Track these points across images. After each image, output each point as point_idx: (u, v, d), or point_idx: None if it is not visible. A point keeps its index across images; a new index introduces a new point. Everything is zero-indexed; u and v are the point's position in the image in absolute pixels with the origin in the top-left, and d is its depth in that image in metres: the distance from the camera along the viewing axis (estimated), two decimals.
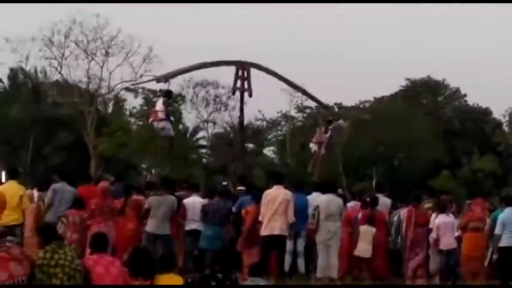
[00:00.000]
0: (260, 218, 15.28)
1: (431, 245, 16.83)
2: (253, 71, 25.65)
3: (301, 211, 15.92)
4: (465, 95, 71.67)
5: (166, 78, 24.67)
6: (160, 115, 22.32)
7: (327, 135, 25.44)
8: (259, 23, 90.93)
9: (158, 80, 24.87)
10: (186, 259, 16.65)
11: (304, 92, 29.45)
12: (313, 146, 25.94)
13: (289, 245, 15.92)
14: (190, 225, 16.85)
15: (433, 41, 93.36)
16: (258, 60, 26.10)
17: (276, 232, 15.03)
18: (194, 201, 17.03)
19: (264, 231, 15.14)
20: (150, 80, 28.24)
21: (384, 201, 18.01)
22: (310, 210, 16.15)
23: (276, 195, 15.17)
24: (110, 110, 64.95)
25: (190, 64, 27.05)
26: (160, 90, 23.49)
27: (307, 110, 69.90)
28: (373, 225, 16.51)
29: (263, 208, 15.19)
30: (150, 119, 23.21)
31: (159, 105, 22.63)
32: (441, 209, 16.91)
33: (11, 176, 16.94)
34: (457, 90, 72.17)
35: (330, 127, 26.26)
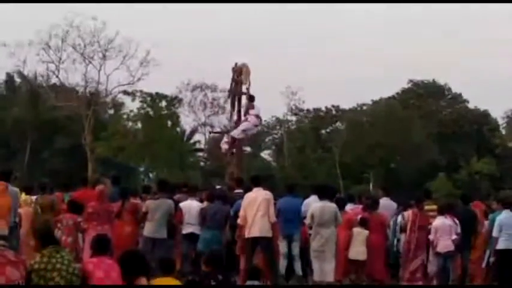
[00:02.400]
0: (240, 221, 15.33)
1: (430, 248, 16.82)
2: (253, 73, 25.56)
3: (293, 214, 15.99)
4: (466, 101, 71.74)
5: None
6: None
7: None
8: (259, 23, 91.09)
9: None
10: (183, 262, 16.63)
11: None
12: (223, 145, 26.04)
13: (283, 248, 15.94)
14: (187, 229, 16.82)
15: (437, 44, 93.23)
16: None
17: (258, 234, 15.07)
18: (191, 205, 17.02)
19: (247, 234, 15.17)
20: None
21: (390, 204, 17.99)
22: (306, 214, 16.18)
23: (255, 196, 15.24)
24: (107, 113, 64.97)
25: None
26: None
27: (302, 113, 70.04)
28: (366, 227, 16.47)
29: (243, 211, 15.26)
30: (257, 124, 23.61)
31: (258, 109, 23.21)
32: (440, 211, 16.88)
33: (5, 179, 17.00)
34: (459, 95, 72.24)
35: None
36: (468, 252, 17.07)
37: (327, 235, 15.64)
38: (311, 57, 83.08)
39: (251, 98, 23.54)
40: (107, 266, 9.29)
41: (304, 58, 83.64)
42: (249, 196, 15.42)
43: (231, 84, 25.48)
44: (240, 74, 25.08)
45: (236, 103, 25.79)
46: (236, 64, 25.21)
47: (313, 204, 16.22)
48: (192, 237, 16.65)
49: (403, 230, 17.08)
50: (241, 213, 15.35)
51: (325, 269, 15.56)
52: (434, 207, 17.81)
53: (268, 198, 15.25)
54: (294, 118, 71.44)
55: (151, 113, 61.49)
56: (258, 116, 23.50)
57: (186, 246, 16.80)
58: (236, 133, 23.56)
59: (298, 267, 16.28)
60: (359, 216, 16.83)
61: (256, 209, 15.09)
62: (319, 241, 15.63)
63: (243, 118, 23.82)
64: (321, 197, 16.28)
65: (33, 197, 18.29)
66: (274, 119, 70.64)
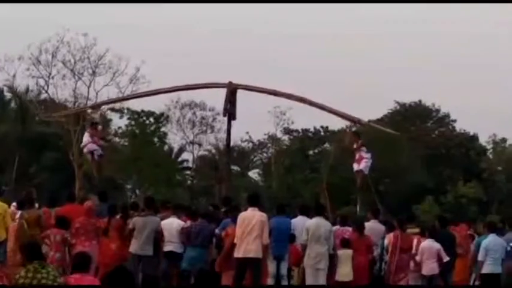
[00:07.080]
0: (235, 240, 15.29)
1: (411, 270, 16.81)
2: (241, 92, 25.50)
3: (282, 234, 15.97)
4: (454, 121, 71.68)
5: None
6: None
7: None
8: (250, 42, 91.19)
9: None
10: (162, 280, 16.50)
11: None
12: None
13: (272, 268, 15.93)
14: (167, 247, 16.69)
15: (424, 65, 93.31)
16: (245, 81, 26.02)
17: (251, 255, 15.01)
18: (172, 223, 16.91)
19: (238, 253, 15.12)
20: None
21: (378, 227, 17.88)
22: (298, 233, 16.18)
23: (251, 217, 15.15)
24: None
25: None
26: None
27: (294, 134, 70.01)
28: (349, 247, 16.43)
29: (238, 230, 15.19)
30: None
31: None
32: (431, 234, 16.88)
33: None
34: (447, 115, 72.20)
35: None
36: (450, 274, 17.09)
37: (323, 252, 15.62)
38: (300, 77, 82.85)
39: (359, 134, 24.63)
40: (88, 282, 9.29)
41: (293, 77, 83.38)
42: (243, 215, 15.36)
43: (226, 103, 25.42)
44: (232, 93, 25.07)
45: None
46: (231, 83, 25.16)
47: (306, 221, 16.21)
48: (171, 256, 16.58)
49: (386, 252, 17.08)
50: (236, 232, 15.30)
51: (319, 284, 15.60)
52: (418, 230, 17.87)
53: (264, 221, 15.18)
54: (286, 137, 71.32)
55: (137, 131, 61.44)
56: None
57: (166, 264, 16.68)
58: (366, 170, 24.74)
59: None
60: (339, 238, 16.87)
61: (250, 229, 15.04)
62: (315, 258, 15.61)
63: (357, 155, 24.53)
64: (312, 215, 16.32)
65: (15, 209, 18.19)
66: (266, 137, 70.32)
